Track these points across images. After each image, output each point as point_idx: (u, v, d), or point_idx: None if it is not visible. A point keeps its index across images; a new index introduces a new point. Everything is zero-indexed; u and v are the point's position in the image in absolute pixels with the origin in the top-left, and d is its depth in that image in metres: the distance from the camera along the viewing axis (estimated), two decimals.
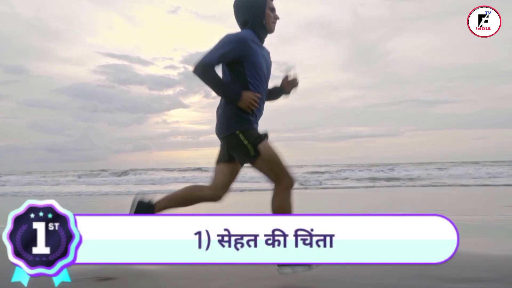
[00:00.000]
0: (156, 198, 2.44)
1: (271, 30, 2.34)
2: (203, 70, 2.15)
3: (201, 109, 65.23)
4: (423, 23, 55.53)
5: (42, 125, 57.13)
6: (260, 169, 2.22)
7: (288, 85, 2.49)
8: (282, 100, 2.55)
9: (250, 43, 2.20)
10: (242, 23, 2.31)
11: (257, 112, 2.28)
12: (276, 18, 2.34)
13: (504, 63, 55.89)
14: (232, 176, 2.38)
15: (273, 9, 2.33)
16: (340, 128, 70.52)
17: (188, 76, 54.36)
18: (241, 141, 2.16)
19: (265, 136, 2.24)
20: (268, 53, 2.41)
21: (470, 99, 57.44)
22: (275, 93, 2.50)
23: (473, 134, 65.14)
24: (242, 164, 2.32)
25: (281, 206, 2.22)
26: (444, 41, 56.28)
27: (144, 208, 2.34)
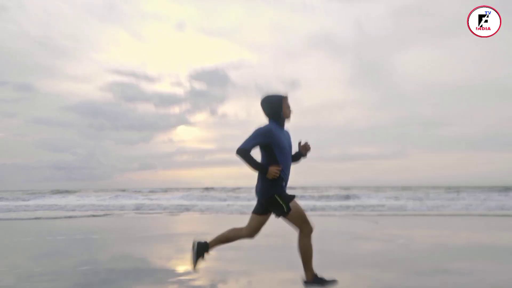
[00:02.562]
0: (209, 239, 3.38)
1: (287, 117, 3.29)
2: (243, 153, 3.08)
3: (207, 127, 65.25)
4: (428, 38, 54.99)
5: (49, 143, 57.59)
6: (290, 220, 3.11)
7: (304, 149, 3.38)
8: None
9: (274, 131, 3.14)
10: (267, 115, 3.26)
11: (285, 177, 3.19)
12: (291, 111, 3.29)
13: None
14: (263, 223, 3.32)
15: (288, 106, 3.27)
16: (347, 149, 70.02)
17: (194, 93, 54.70)
18: (278, 201, 3.09)
19: (293, 196, 3.14)
20: (287, 133, 3.35)
21: (479, 120, 56.51)
22: (296, 159, 3.38)
23: (482, 156, 64.06)
24: (278, 216, 3.14)
25: (305, 249, 3.17)
26: (453, 57, 55.06)
27: (202, 248, 3.37)
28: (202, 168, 67.16)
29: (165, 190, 35.72)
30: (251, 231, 3.32)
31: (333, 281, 3.13)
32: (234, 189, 33.63)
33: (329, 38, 55.79)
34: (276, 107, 3.23)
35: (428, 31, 52.58)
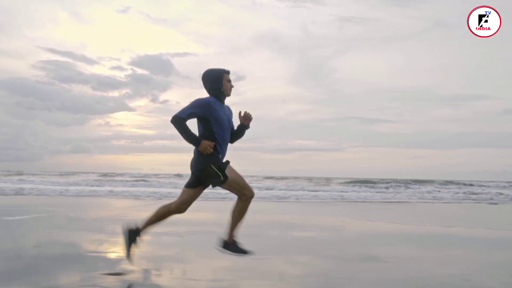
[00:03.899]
0: (139, 222, 3.29)
1: (228, 95, 3.25)
2: (178, 121, 3.01)
3: (147, 113, 63.19)
4: (369, 45, 58.75)
5: None
6: (228, 188, 3.11)
7: (245, 119, 3.31)
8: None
9: (212, 105, 3.10)
10: (207, 91, 3.22)
11: (221, 151, 3.15)
12: (232, 86, 3.25)
13: (441, 88, 60.65)
14: (195, 197, 3.22)
15: (229, 81, 3.22)
16: (287, 141, 72.03)
17: (135, 79, 52.45)
18: (214, 171, 3.02)
19: (227, 163, 3.12)
20: (228, 108, 3.32)
21: (408, 119, 61.58)
22: (239, 130, 3.36)
23: (409, 153, 69.95)
24: (214, 186, 3.11)
25: (239, 213, 3.18)
26: (388, 64, 60.09)
27: (134, 233, 3.27)
28: (141, 154, 65.05)
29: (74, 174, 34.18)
30: (181, 204, 3.21)
31: (247, 252, 3.23)
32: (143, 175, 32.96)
33: (275, 37, 56.59)
34: (216, 81, 3.17)
35: (368, 39, 55.73)
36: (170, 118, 3.06)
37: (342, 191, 18.67)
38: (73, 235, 5.37)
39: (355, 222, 8.10)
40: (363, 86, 63.52)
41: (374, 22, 53.35)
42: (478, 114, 57.92)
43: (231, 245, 3.23)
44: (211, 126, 3.10)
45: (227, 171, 3.06)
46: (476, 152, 66.34)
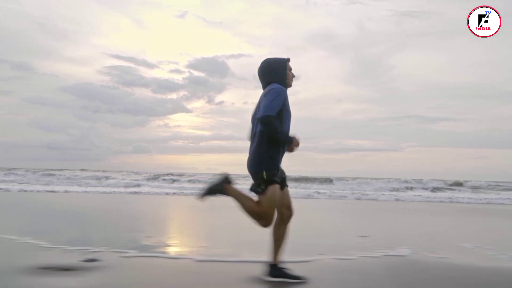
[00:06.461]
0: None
1: (290, 86, 2.90)
2: (269, 121, 2.60)
3: (203, 114, 65.32)
4: (428, 40, 56.05)
5: (43, 122, 57.08)
6: (259, 200, 2.72)
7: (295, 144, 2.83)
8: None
9: (287, 94, 2.78)
10: (268, 82, 2.82)
11: (282, 151, 2.78)
12: (293, 76, 2.92)
13: (506, 84, 55.94)
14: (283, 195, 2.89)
15: (290, 69, 2.91)
16: (341, 141, 70.28)
17: (192, 81, 54.71)
18: (262, 177, 2.67)
19: (277, 181, 2.71)
20: None
21: (470, 118, 57.08)
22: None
23: (472, 153, 65.10)
24: (251, 190, 2.77)
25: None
26: (448, 59, 56.41)
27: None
28: (197, 154, 67.33)
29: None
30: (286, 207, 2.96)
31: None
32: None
33: (329, 35, 55.88)
34: (281, 71, 2.84)
35: (427, 34, 53.39)
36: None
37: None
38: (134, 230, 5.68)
39: (410, 222, 7.75)
40: (421, 83, 60.32)
41: (433, 15, 50.65)
42: None
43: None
44: (281, 116, 2.71)
45: (272, 188, 2.70)
46: None
